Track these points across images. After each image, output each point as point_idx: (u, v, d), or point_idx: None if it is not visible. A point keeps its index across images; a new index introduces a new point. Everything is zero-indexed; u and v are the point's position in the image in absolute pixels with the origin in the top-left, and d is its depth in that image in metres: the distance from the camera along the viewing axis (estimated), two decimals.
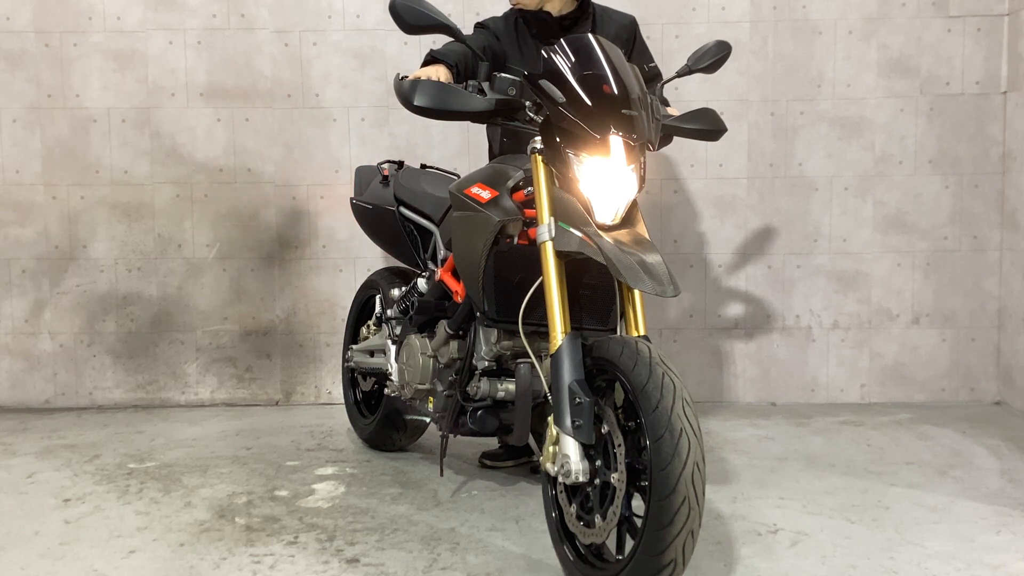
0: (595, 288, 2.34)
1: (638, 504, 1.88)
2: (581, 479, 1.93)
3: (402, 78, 2.10)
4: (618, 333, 2.34)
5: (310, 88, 3.84)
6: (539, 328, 2.27)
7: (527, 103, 2.12)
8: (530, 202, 2.33)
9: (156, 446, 3.29)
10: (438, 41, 3.77)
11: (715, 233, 3.87)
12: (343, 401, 3.50)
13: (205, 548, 2.32)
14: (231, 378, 3.94)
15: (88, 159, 3.86)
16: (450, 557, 2.25)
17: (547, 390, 2.09)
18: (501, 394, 2.49)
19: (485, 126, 3.05)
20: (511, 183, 2.39)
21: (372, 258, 3.86)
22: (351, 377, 3.40)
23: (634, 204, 2.13)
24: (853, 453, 3.14)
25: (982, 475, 2.88)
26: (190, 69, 3.84)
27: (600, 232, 2.01)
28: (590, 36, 2.15)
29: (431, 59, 2.62)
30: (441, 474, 2.85)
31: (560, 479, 1.98)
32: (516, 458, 3.00)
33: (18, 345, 3.92)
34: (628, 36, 2.97)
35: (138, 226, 3.89)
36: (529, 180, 2.36)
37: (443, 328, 2.63)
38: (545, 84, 2.07)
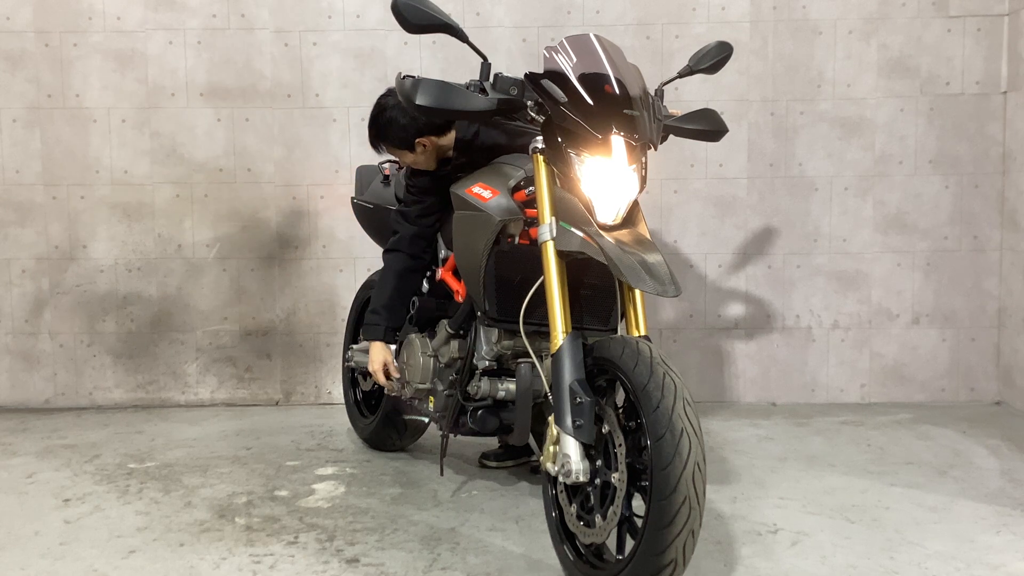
0: (596, 288, 2.34)
1: (638, 504, 1.87)
2: (581, 479, 1.93)
3: (404, 77, 2.10)
4: (619, 333, 2.34)
5: (310, 88, 3.84)
6: (540, 328, 2.27)
7: (528, 102, 2.12)
8: (531, 202, 2.34)
9: (156, 446, 3.29)
10: (438, 42, 3.77)
11: (715, 233, 3.87)
12: (343, 401, 3.51)
13: (205, 548, 2.32)
14: (231, 378, 3.94)
15: (88, 159, 3.86)
16: (450, 557, 2.25)
17: (548, 390, 2.09)
18: (502, 394, 2.49)
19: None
20: (512, 183, 2.39)
21: (372, 258, 3.86)
22: (351, 377, 3.40)
23: (635, 204, 2.12)
24: (853, 453, 3.14)
25: (982, 475, 2.88)
26: (190, 69, 3.84)
27: (601, 232, 2.01)
28: (591, 35, 2.15)
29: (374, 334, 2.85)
30: (441, 474, 2.85)
31: (560, 479, 1.98)
32: (516, 458, 3.00)
33: (18, 345, 3.92)
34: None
35: (138, 226, 3.88)
36: (530, 180, 2.36)
37: (444, 327, 2.63)
38: (547, 84, 2.07)
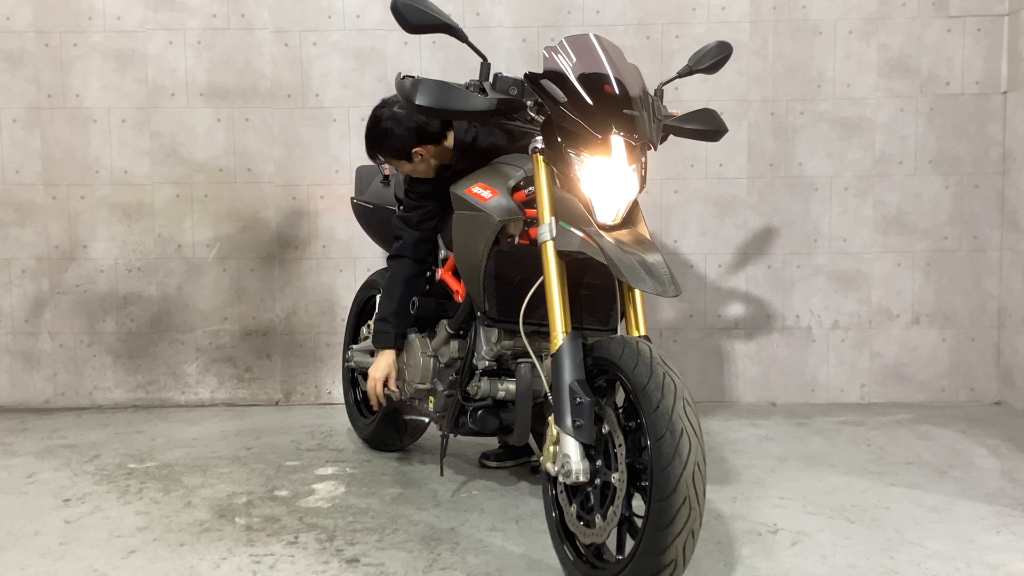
0: (596, 288, 2.34)
1: (638, 504, 1.87)
2: (581, 479, 1.93)
3: (403, 77, 2.10)
4: (619, 333, 2.34)
5: (310, 88, 3.84)
6: (540, 328, 2.27)
7: (528, 102, 2.12)
8: (531, 202, 2.34)
9: (156, 446, 3.29)
10: (438, 42, 3.77)
11: (715, 233, 3.87)
12: (343, 401, 3.51)
13: (205, 548, 2.32)
14: (231, 378, 3.94)
15: (88, 159, 3.86)
16: (450, 557, 2.25)
17: (547, 390, 2.09)
18: (501, 394, 2.49)
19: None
20: (512, 183, 2.39)
21: (372, 258, 3.86)
22: (351, 377, 3.40)
23: (635, 204, 2.12)
24: (853, 453, 3.14)
25: (982, 475, 2.88)
26: (190, 69, 3.84)
27: (601, 232, 2.01)
28: (591, 35, 2.15)
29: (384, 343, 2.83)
30: (441, 474, 2.85)
31: (560, 479, 1.98)
32: (516, 458, 3.00)
33: (18, 345, 3.92)
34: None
35: (138, 226, 3.89)
36: (530, 180, 2.36)
37: (444, 328, 2.63)
38: (546, 84, 2.07)
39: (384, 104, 2.71)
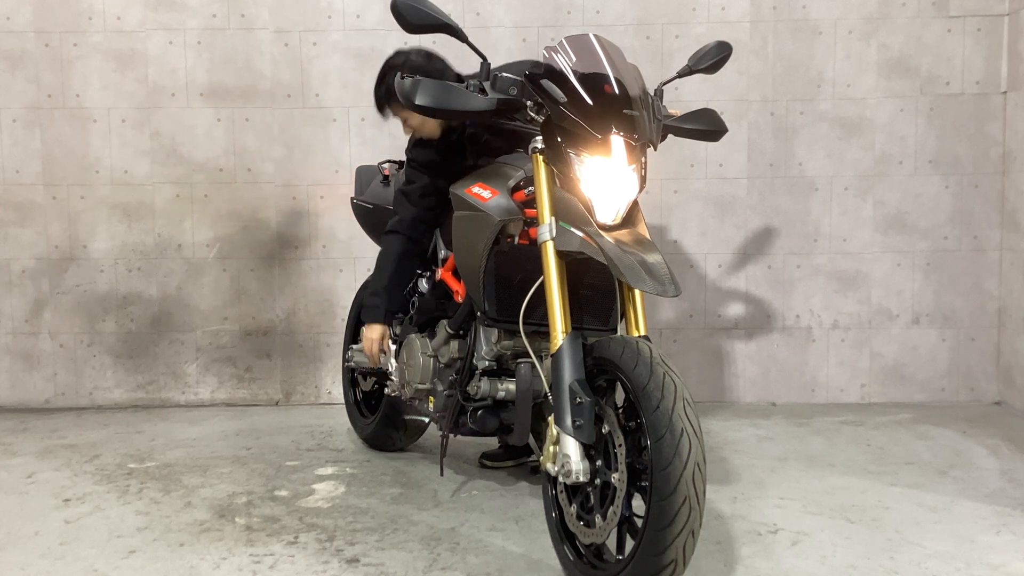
0: (596, 288, 2.34)
1: (638, 504, 1.87)
2: (581, 479, 1.93)
3: (403, 77, 2.10)
4: (619, 333, 2.34)
5: (310, 88, 3.84)
6: (540, 328, 2.27)
7: (528, 102, 2.12)
8: (531, 202, 2.33)
9: (156, 446, 3.29)
10: (439, 42, 3.77)
11: (715, 233, 3.87)
12: (343, 401, 3.51)
13: (205, 548, 2.32)
14: (231, 378, 3.94)
15: (88, 159, 3.86)
16: (450, 557, 2.25)
17: (547, 390, 2.09)
18: (501, 394, 2.49)
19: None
20: (512, 183, 2.39)
21: (372, 258, 3.84)
22: (351, 377, 3.40)
23: (635, 204, 2.12)
24: (853, 453, 3.14)
25: (982, 475, 2.88)
26: (190, 69, 3.84)
27: (601, 232, 2.01)
28: (591, 35, 2.15)
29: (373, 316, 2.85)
30: (441, 474, 2.85)
31: (560, 479, 1.98)
32: (516, 458, 3.00)
33: (18, 345, 3.92)
34: None
35: (138, 226, 3.89)
36: (530, 180, 2.36)
37: (443, 328, 2.63)
38: (546, 84, 2.07)
39: (397, 53, 2.74)
